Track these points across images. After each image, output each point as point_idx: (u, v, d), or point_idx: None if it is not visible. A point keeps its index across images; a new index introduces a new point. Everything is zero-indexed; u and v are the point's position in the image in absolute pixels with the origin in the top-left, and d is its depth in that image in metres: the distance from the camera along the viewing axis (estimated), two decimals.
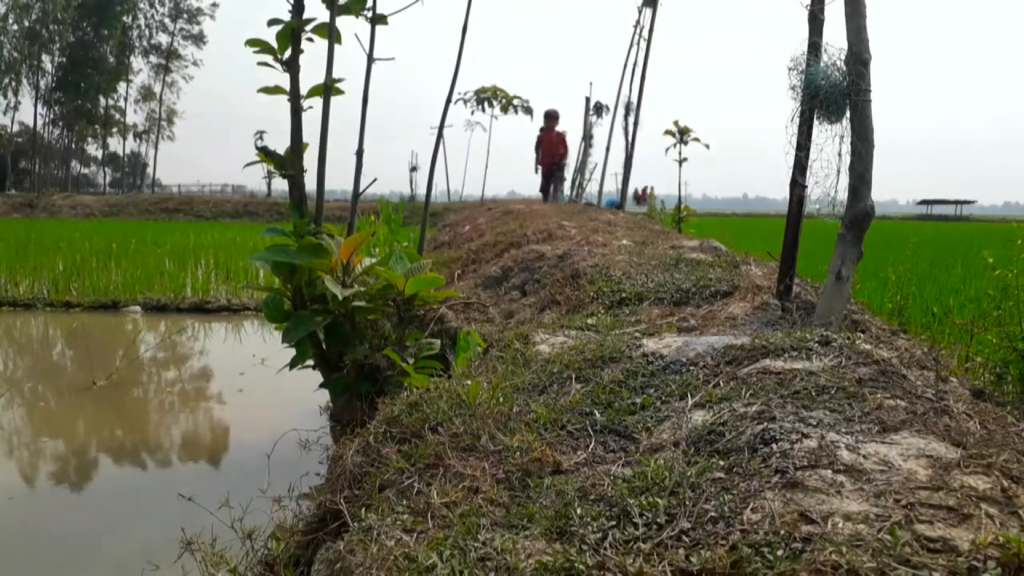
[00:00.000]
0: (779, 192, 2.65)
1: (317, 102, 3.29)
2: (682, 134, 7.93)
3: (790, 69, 2.36)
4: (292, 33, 3.17)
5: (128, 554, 2.66)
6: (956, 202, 57.34)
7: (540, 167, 11.43)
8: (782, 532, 1.00)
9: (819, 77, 2.25)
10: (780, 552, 0.95)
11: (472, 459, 1.44)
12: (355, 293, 2.96)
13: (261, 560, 1.78)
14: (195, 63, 52.10)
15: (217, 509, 2.10)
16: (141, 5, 50.37)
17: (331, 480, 1.76)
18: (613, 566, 1.00)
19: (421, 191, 23.09)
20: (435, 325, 3.38)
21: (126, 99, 51.40)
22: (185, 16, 50.81)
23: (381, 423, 1.76)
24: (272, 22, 3.17)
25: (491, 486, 1.32)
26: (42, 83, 47.97)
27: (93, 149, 55.19)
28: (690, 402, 1.58)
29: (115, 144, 54.11)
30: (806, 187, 2.40)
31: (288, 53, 3.19)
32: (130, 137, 52.82)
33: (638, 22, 9.23)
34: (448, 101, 4.68)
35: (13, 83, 45.73)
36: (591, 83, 11.90)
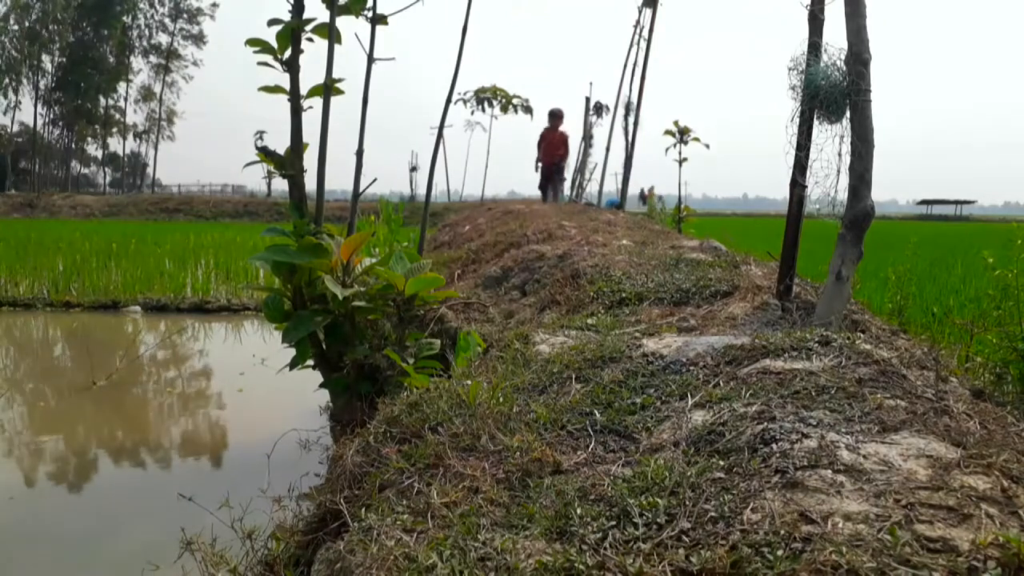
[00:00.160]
0: (779, 192, 2.65)
1: (317, 102, 3.29)
2: (682, 134, 7.93)
3: (790, 69, 2.36)
4: (292, 33, 3.17)
5: (128, 554, 2.66)
6: (956, 202, 57.36)
7: (540, 165, 11.40)
8: (782, 532, 1.00)
9: (819, 77, 2.25)
10: (780, 552, 0.95)
11: (472, 459, 1.44)
12: (355, 293, 2.96)
13: (261, 560, 1.78)
14: (195, 63, 52.13)
15: (217, 509, 2.10)
16: (141, 5, 50.38)
17: (331, 480, 1.76)
18: (613, 566, 1.00)
19: (421, 191, 23.10)
20: (435, 325, 3.38)
21: (126, 99, 51.42)
22: (185, 16, 50.81)
23: (381, 423, 1.76)
24: (272, 22, 3.17)
25: (491, 486, 1.32)
26: (42, 83, 47.99)
27: (93, 149, 55.21)
28: (690, 402, 1.58)
29: (115, 144, 54.15)
30: (806, 187, 2.40)
31: (288, 53, 3.19)
32: (130, 137, 52.84)
33: (638, 22, 9.24)
34: (448, 101, 4.68)
35: (13, 83, 45.73)
36: (591, 83, 11.91)
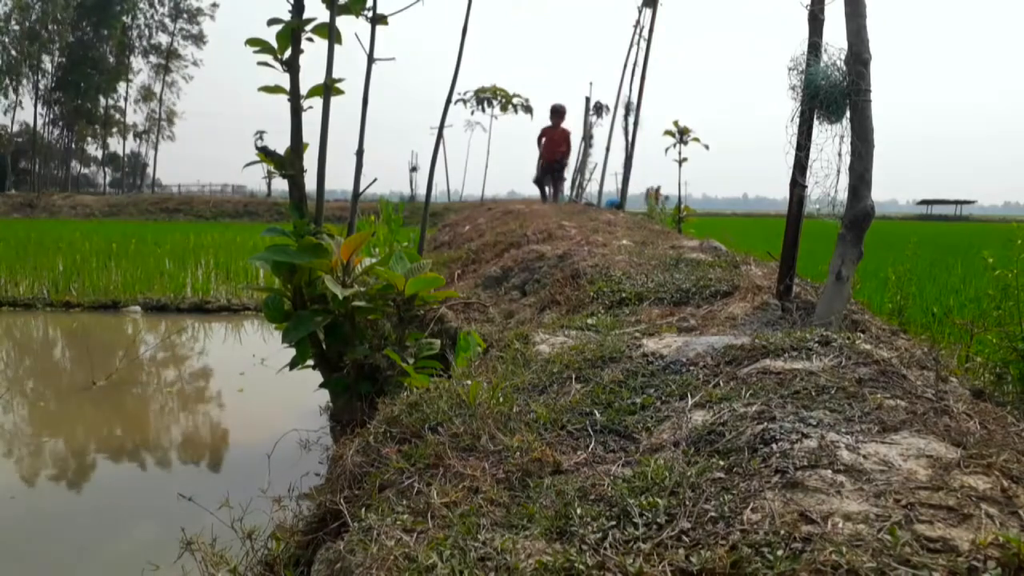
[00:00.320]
0: (779, 192, 2.65)
1: (317, 102, 3.29)
2: (682, 134, 7.94)
3: (790, 69, 2.36)
4: (292, 33, 3.17)
5: (128, 554, 2.66)
6: (956, 202, 57.36)
7: (540, 161, 11.28)
8: (782, 532, 1.00)
9: (819, 77, 2.25)
10: (780, 552, 0.95)
11: (472, 459, 1.44)
12: (355, 293, 2.96)
13: (261, 560, 1.78)
14: (195, 63, 52.13)
15: (217, 509, 2.10)
16: (141, 5, 50.39)
17: (331, 480, 1.76)
18: (613, 566, 1.00)
19: (421, 191, 23.10)
20: (435, 325, 3.38)
21: (126, 99, 51.43)
22: (185, 16, 50.82)
23: (381, 423, 1.76)
24: (272, 22, 3.17)
25: (491, 486, 1.32)
26: (42, 83, 48.00)
27: (93, 149, 55.24)
28: (690, 402, 1.58)
29: (115, 144, 54.17)
30: (806, 187, 2.40)
31: (288, 53, 3.19)
32: (130, 137, 52.85)
33: (638, 22, 9.24)
34: (448, 101, 4.68)
35: (13, 83, 45.75)
36: (591, 83, 11.90)
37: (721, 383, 1.66)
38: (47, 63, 48.11)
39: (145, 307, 8.41)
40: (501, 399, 1.70)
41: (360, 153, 3.74)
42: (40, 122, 48.56)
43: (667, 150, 8.05)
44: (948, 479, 1.09)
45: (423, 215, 4.82)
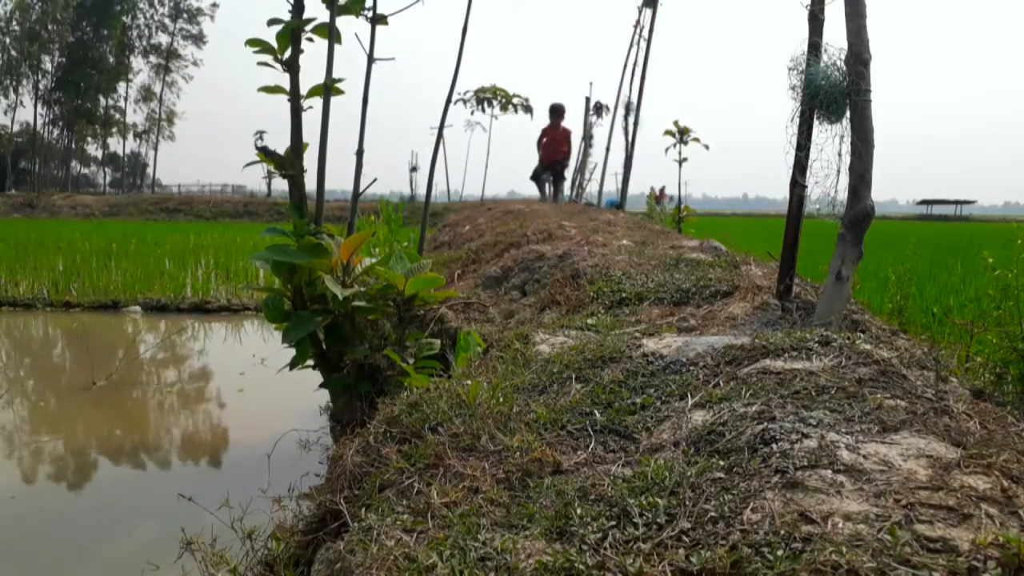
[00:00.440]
0: (779, 192, 2.65)
1: (317, 102, 3.29)
2: (682, 134, 7.94)
3: (790, 69, 2.36)
4: (292, 33, 3.17)
5: (128, 554, 2.66)
6: (956, 202, 57.38)
7: (541, 161, 11.20)
8: (782, 532, 1.00)
9: (819, 77, 2.25)
10: (780, 552, 0.95)
11: (472, 459, 1.44)
12: (355, 293, 2.96)
13: (261, 560, 1.78)
14: (195, 63, 52.14)
15: (217, 509, 2.10)
16: (141, 5, 50.40)
17: (331, 480, 1.76)
18: (613, 566, 1.00)
19: (421, 191, 23.09)
20: (435, 325, 3.38)
21: (126, 99, 51.45)
22: (185, 16, 50.83)
23: (381, 423, 1.76)
24: (272, 22, 3.17)
25: (491, 486, 1.32)
26: (42, 83, 48.02)
27: (93, 149, 55.27)
28: (690, 402, 1.58)
29: (115, 144, 54.20)
30: (806, 187, 2.40)
31: (288, 53, 3.19)
32: (130, 137, 52.87)
33: (638, 22, 9.24)
34: (448, 101, 4.68)
35: (13, 83, 45.76)
36: (591, 83, 11.88)
37: (721, 383, 1.66)
38: (47, 63, 48.14)
39: (145, 307, 8.41)
40: (501, 399, 1.70)
41: (360, 153, 3.74)
42: (40, 122, 48.60)
43: (667, 150, 8.05)
44: (948, 479, 1.09)
45: (423, 215, 4.82)
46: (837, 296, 2.22)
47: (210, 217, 27.19)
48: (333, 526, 1.56)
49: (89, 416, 4.50)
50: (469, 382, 1.79)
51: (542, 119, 11.55)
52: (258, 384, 5.18)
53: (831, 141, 2.27)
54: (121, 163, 54.19)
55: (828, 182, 2.27)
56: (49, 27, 46.39)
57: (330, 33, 3.25)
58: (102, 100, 51.01)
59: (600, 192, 11.22)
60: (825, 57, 2.28)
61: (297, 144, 3.27)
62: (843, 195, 2.23)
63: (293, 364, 3.25)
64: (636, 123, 9.11)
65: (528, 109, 18.45)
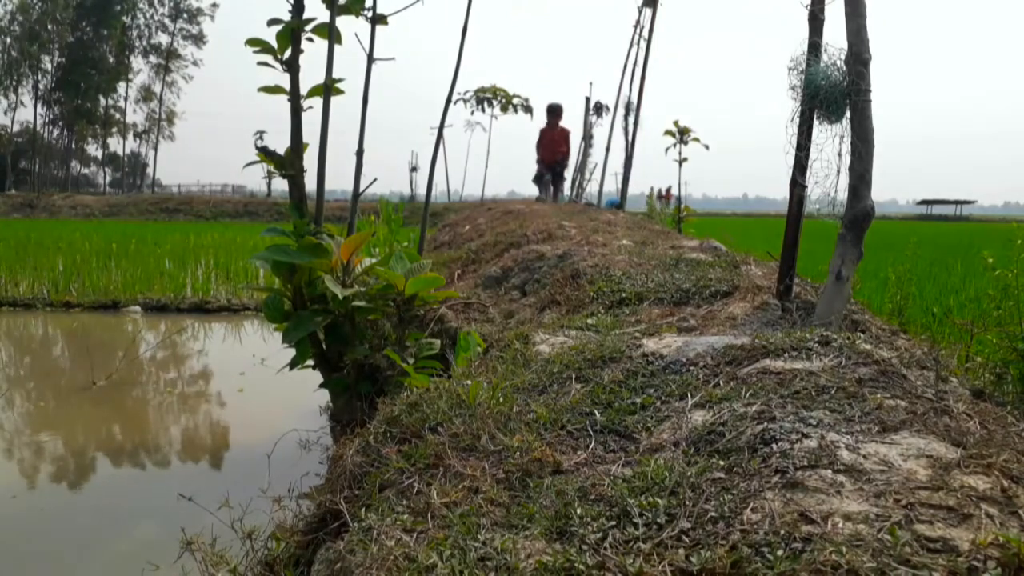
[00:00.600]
0: (779, 192, 2.65)
1: (317, 102, 3.29)
2: (682, 134, 7.94)
3: (790, 69, 2.36)
4: (292, 33, 3.17)
5: (128, 554, 2.66)
6: (956, 202, 57.40)
7: (539, 163, 11.14)
8: (782, 532, 1.00)
9: (819, 77, 2.25)
10: (780, 552, 0.95)
11: (472, 459, 1.44)
12: (355, 293, 2.96)
13: (261, 560, 1.78)
14: (195, 63, 52.16)
15: (217, 509, 2.10)
16: (141, 5, 50.41)
17: (331, 480, 1.76)
18: (613, 566, 1.00)
19: (421, 191, 23.09)
20: (435, 325, 3.38)
21: (126, 99, 51.47)
22: (185, 16, 50.84)
23: (381, 423, 1.76)
24: (272, 22, 3.17)
25: (491, 486, 1.32)
26: (42, 83, 48.04)
27: (93, 149, 55.31)
28: (690, 402, 1.58)
29: (115, 144, 54.25)
30: (806, 187, 2.40)
31: (288, 53, 3.19)
32: (130, 137, 52.89)
33: (638, 22, 9.23)
34: (448, 101, 4.68)
35: (13, 83, 45.78)
36: (591, 83, 11.86)
37: (721, 383, 1.66)
38: (47, 63, 48.16)
39: (145, 307, 8.41)
40: (501, 399, 1.70)
41: (360, 153, 3.74)
42: (40, 122, 48.63)
43: (667, 150, 8.05)
44: (948, 479, 1.09)
45: (423, 215, 4.82)
46: (837, 296, 2.22)
47: (210, 217, 27.19)
48: (333, 526, 1.56)
49: (89, 416, 4.50)
50: (469, 382, 1.79)
51: (542, 119, 11.49)
52: (258, 384, 5.18)
53: (831, 141, 2.27)
54: (121, 163, 54.21)
55: (828, 182, 2.27)
56: (49, 27, 46.41)
57: (330, 33, 3.25)
58: (102, 100, 51.05)
59: (600, 192, 11.21)
60: (825, 57, 2.28)
61: (297, 144, 3.27)
62: (843, 195, 2.23)
63: (293, 364, 3.25)
64: (636, 123, 9.10)
65: (528, 109, 18.44)
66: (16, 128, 48.58)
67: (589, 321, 2.55)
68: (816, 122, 2.32)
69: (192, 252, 11.78)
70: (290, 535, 1.72)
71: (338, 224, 3.60)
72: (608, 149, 10.45)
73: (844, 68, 2.22)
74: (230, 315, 8.27)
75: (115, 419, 4.50)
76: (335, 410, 3.50)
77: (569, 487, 1.26)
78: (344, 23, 3.34)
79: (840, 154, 2.24)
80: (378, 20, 3.61)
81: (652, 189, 12.33)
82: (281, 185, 28.30)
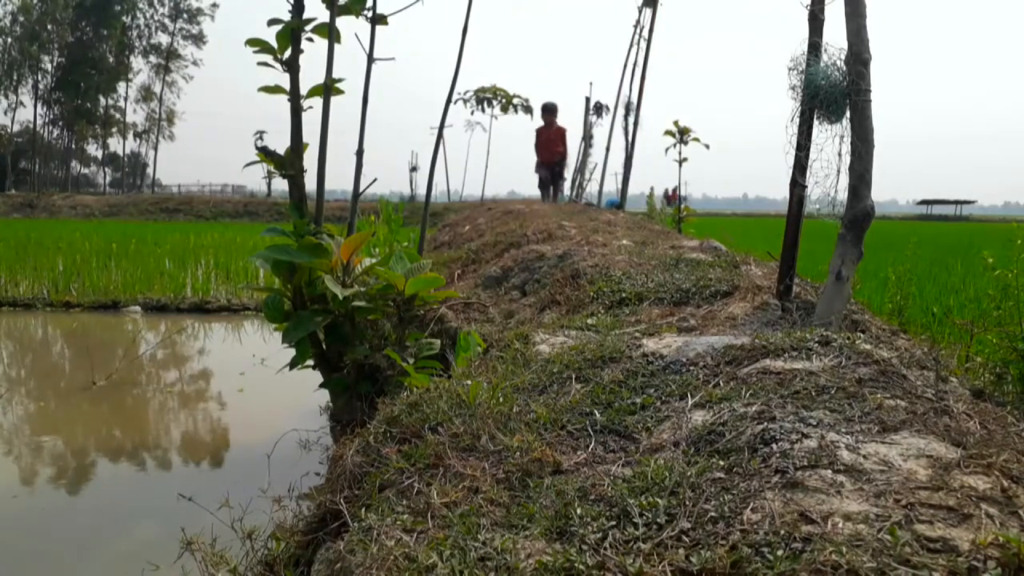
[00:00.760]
0: (779, 192, 2.65)
1: (317, 102, 3.29)
2: (682, 134, 7.93)
3: (790, 69, 2.36)
4: (292, 33, 3.17)
5: (128, 554, 2.66)
6: (956, 202, 57.39)
7: (538, 164, 11.06)
8: (782, 532, 1.00)
9: (819, 77, 2.25)
10: (780, 552, 0.95)
11: (472, 459, 1.44)
12: (355, 293, 2.96)
13: (261, 560, 1.78)
14: (195, 63, 52.17)
15: (217, 509, 2.10)
16: (141, 5, 50.42)
17: (331, 480, 1.76)
18: (613, 566, 1.00)
19: (421, 191, 23.09)
20: (435, 325, 3.38)
21: (126, 99, 51.48)
22: (185, 16, 50.85)
23: (381, 423, 1.76)
24: (272, 22, 3.17)
25: (491, 486, 1.32)
26: (42, 83, 48.05)
27: (93, 149, 55.33)
28: (690, 402, 1.58)
29: (115, 144, 54.27)
30: (806, 187, 2.40)
31: (288, 53, 3.19)
32: (130, 137, 52.90)
33: (638, 22, 9.23)
34: (448, 101, 4.68)
35: (13, 83, 45.79)
36: (591, 83, 11.83)
37: (721, 383, 1.66)
38: (47, 63, 48.18)
39: (145, 307, 8.41)
40: (501, 399, 1.70)
41: (360, 153, 3.74)
42: (40, 122, 48.64)
43: (667, 150, 8.04)
44: (948, 479, 1.09)
45: (423, 215, 4.82)
46: (837, 296, 2.22)
47: (210, 217, 27.19)
48: (333, 526, 1.56)
49: (89, 416, 4.50)
50: (469, 382, 1.79)
51: (540, 120, 11.47)
52: (258, 384, 5.18)
53: (831, 141, 2.27)
54: (121, 163, 54.21)
55: (828, 182, 2.27)
56: (49, 27, 46.42)
57: (330, 33, 3.25)
58: (102, 100, 51.07)
59: (600, 192, 11.21)
60: (825, 57, 2.28)
61: (297, 144, 3.27)
62: (843, 195, 2.23)
63: (293, 364, 3.25)
64: (636, 123, 9.10)
65: (528, 109, 18.45)
66: (16, 128, 48.62)
67: (589, 321, 2.55)
68: (816, 122, 2.32)
69: (192, 252, 11.78)
70: (290, 535, 1.72)
71: (338, 224, 3.60)
72: (608, 149, 10.45)
73: (844, 68, 2.22)
74: (230, 315, 8.27)
75: (115, 419, 4.50)
76: (335, 410, 3.50)
77: (569, 487, 1.26)
78: (344, 23, 3.34)
79: (840, 154, 2.24)
80: (378, 20, 3.61)
81: (652, 189, 12.32)
82: (281, 185, 28.30)
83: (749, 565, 0.94)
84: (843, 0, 2.21)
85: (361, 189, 3.67)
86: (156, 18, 51.18)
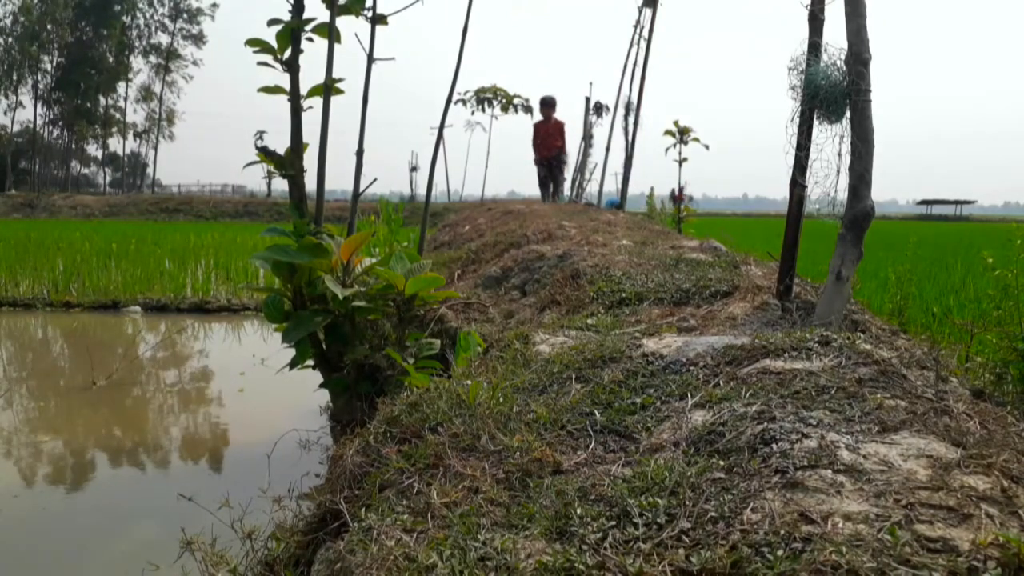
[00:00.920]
0: (779, 192, 2.65)
1: (317, 102, 3.29)
2: (682, 134, 7.94)
3: (790, 69, 2.36)
4: (292, 33, 3.17)
5: (128, 554, 2.66)
6: (956, 202, 57.39)
7: (537, 160, 10.89)
8: (782, 532, 1.00)
9: (819, 77, 2.25)
10: (780, 552, 0.95)
11: (472, 459, 1.44)
12: (355, 293, 2.96)
13: (261, 560, 1.78)
14: (195, 63, 52.17)
15: (217, 509, 2.10)
16: (140, 5, 50.43)
17: (331, 480, 1.76)
18: (613, 566, 1.00)
19: (421, 191, 23.09)
20: (435, 325, 3.38)
21: (126, 99, 51.48)
22: (185, 16, 50.85)
23: (381, 423, 1.76)
24: (272, 22, 3.17)
25: (491, 486, 1.32)
26: (42, 83, 48.06)
27: (93, 149, 55.32)
28: (690, 402, 1.58)
29: (115, 144, 54.27)
30: (806, 187, 2.40)
31: (288, 53, 3.19)
32: (130, 137, 52.90)
33: (638, 22, 9.23)
34: (448, 101, 4.68)
35: (13, 83, 45.81)
36: (591, 83, 11.82)
37: (721, 383, 1.66)
38: (47, 63, 48.19)
39: (145, 307, 8.41)
40: (501, 399, 1.70)
41: (360, 153, 3.74)
42: (40, 122, 48.65)
43: (667, 150, 8.05)
44: (948, 479, 1.09)
45: (423, 215, 4.82)
46: (837, 296, 2.22)
47: (210, 217, 27.19)
48: (333, 526, 1.56)
49: (89, 416, 4.50)
50: (469, 382, 1.79)
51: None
52: (258, 384, 5.18)
53: (831, 141, 2.27)
54: (121, 163, 54.22)
55: (828, 182, 2.27)
56: (49, 27, 46.43)
57: (330, 33, 3.25)
58: (102, 100, 51.06)
59: (600, 192, 11.21)
60: (825, 57, 2.28)
61: (297, 144, 3.27)
62: (843, 195, 2.23)
63: (293, 364, 3.25)
64: (636, 123, 9.10)
65: (528, 110, 18.44)
66: (16, 128, 48.62)
67: (589, 321, 2.55)
68: (816, 122, 2.32)
69: (192, 252, 11.78)
70: (290, 535, 1.72)
71: (338, 224, 3.60)
72: (608, 149, 10.44)
73: (844, 68, 2.22)
74: (230, 315, 8.27)
75: (115, 419, 4.50)
76: (335, 410, 3.50)
77: (569, 487, 1.26)
78: (344, 23, 3.34)
79: (840, 154, 2.24)
80: (378, 20, 3.61)
81: (652, 189, 12.31)
82: (281, 185, 28.31)
83: (749, 565, 0.94)
84: (843, 0, 2.21)
85: (361, 189, 3.67)
86: (156, 18, 51.22)
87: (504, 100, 18.50)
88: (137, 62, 51.86)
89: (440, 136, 4.83)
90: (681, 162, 8.01)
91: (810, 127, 2.33)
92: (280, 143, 3.58)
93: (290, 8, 3.18)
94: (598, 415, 1.59)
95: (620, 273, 3.22)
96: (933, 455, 1.18)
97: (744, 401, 1.50)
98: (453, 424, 1.59)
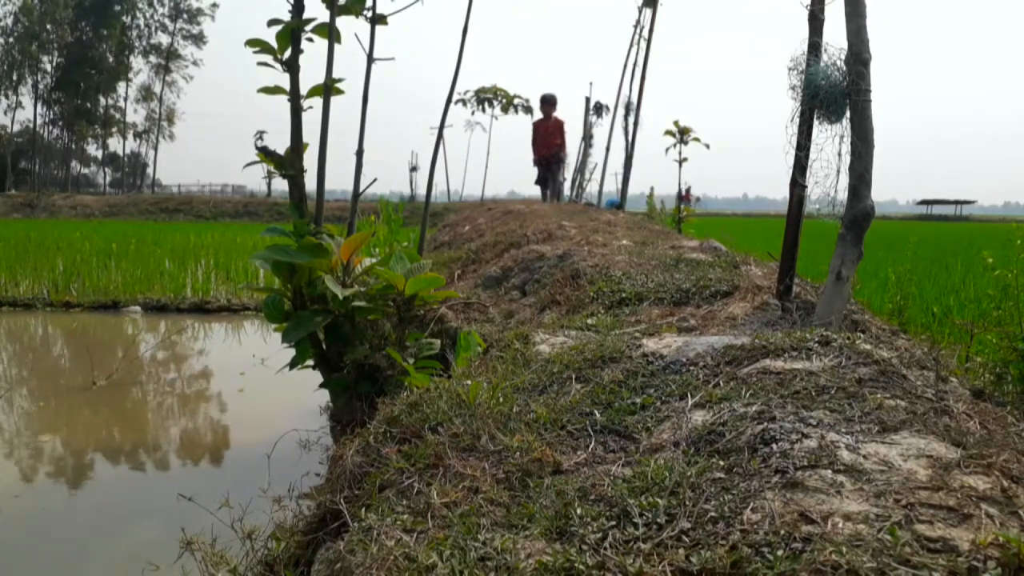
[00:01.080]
0: (779, 192, 2.65)
1: (317, 102, 3.29)
2: (682, 134, 7.94)
3: (790, 69, 2.36)
4: (292, 33, 3.17)
5: (128, 554, 2.66)
6: (956, 202, 57.41)
7: (536, 159, 10.79)
8: (782, 532, 1.00)
9: (819, 77, 2.25)
10: (780, 552, 0.95)
11: (472, 459, 1.44)
12: (355, 293, 2.96)
13: (261, 560, 1.78)
14: (195, 63, 52.18)
15: (217, 509, 2.10)
16: (140, 5, 50.43)
17: (331, 480, 1.76)
18: (613, 566, 1.00)
19: (421, 191, 23.10)
20: (435, 325, 3.38)
21: (126, 99, 51.48)
22: (185, 16, 50.86)
23: (381, 423, 1.76)
24: (272, 22, 3.17)
25: (491, 486, 1.32)
26: (42, 83, 48.06)
27: (93, 149, 55.34)
28: (690, 402, 1.58)
29: (115, 144, 54.28)
30: (806, 187, 2.40)
31: (288, 53, 3.19)
32: (130, 137, 52.90)
33: (638, 22, 9.23)
34: (448, 101, 4.68)
35: (13, 83, 45.81)
36: (591, 83, 11.82)
37: (721, 383, 1.66)
38: (47, 63, 48.19)
39: (145, 307, 8.40)
40: (501, 399, 1.70)
41: (360, 153, 3.74)
42: (40, 122, 48.65)
43: (667, 150, 8.05)
44: (948, 479, 1.09)
45: (423, 215, 4.82)
46: (837, 296, 2.22)
47: (210, 217, 27.19)
48: (333, 526, 1.56)
49: (89, 416, 4.50)
50: (469, 382, 1.79)
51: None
52: (258, 384, 5.18)
53: (831, 141, 2.27)
54: (121, 163, 54.22)
55: (828, 182, 2.27)
56: (48, 27, 46.43)
57: (330, 33, 3.25)
58: (102, 100, 51.07)
59: (600, 192, 11.21)
60: (825, 57, 2.28)
61: (297, 144, 3.27)
62: (843, 195, 2.23)
63: (293, 364, 3.25)
64: (636, 123, 9.10)
65: (528, 110, 18.46)
66: (16, 128, 48.63)
67: (589, 321, 2.55)
68: (816, 122, 2.32)
69: (192, 252, 11.78)
70: (290, 535, 1.72)
71: (338, 224, 3.60)
72: (608, 149, 10.44)
73: (844, 68, 2.22)
74: (230, 315, 8.27)
75: (115, 419, 4.50)
76: (335, 410, 3.50)
77: (569, 487, 1.26)
78: (344, 23, 3.34)
79: (840, 154, 2.24)
80: (378, 20, 3.61)
81: (652, 189, 12.31)
82: (281, 185, 28.31)
83: (749, 565, 0.94)
84: (843, 0, 2.21)
85: (361, 189, 3.67)
86: (156, 18, 51.23)
87: (504, 100, 18.51)
88: (137, 62, 51.97)
89: (440, 136, 4.83)
90: (681, 162, 8.01)
91: (810, 127, 2.33)
92: (280, 143, 3.58)
93: (290, 8, 3.18)
94: (598, 415, 1.59)
95: (620, 273, 3.22)
96: (933, 455, 1.18)
97: (744, 401, 1.50)
98: (453, 424, 1.59)
